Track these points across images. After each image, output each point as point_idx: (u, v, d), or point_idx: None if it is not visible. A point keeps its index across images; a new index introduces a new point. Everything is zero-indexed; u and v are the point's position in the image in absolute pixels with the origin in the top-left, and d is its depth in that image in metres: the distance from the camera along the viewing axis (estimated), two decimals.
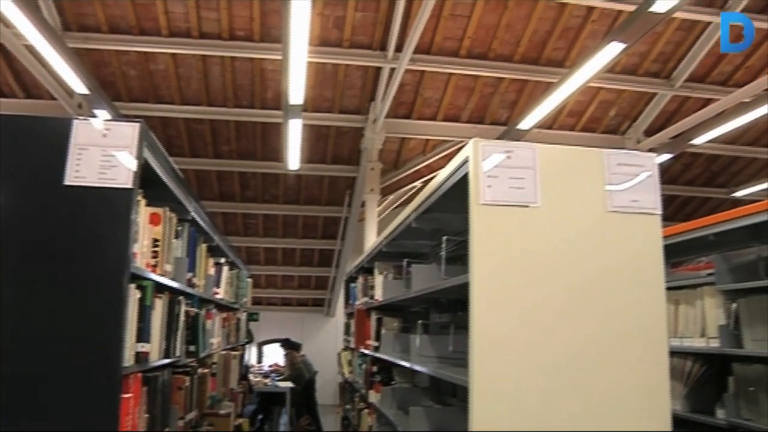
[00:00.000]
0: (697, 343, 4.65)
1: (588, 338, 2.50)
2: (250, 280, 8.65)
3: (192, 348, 4.10)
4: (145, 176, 2.61)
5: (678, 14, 8.21)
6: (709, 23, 8.65)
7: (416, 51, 8.19)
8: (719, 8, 8.44)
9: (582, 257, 2.55)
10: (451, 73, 9.06)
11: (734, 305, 4.36)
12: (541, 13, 8.19)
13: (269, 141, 10.67)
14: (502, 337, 2.44)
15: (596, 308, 2.53)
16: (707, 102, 9.89)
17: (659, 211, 2.61)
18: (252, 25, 8.15)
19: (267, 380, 10.87)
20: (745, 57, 9.49)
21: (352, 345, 7.69)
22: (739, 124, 9.13)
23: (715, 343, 4.45)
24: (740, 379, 4.29)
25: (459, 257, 3.40)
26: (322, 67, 8.83)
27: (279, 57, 7.15)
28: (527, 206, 2.50)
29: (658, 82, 9.71)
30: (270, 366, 13.17)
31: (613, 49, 6.53)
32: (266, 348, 15.44)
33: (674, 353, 4.75)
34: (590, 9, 8.15)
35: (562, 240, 2.53)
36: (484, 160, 2.51)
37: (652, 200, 2.60)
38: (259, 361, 14.90)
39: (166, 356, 3.25)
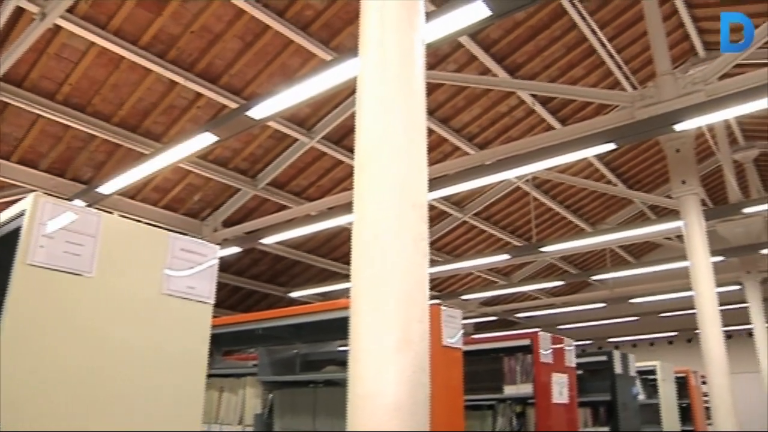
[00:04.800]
0: (235, 430, 4.82)
1: (124, 415, 2.40)
2: None
3: None
4: None
5: (272, 124, 9.06)
6: (296, 139, 9.69)
7: (5, 79, 7.33)
8: (308, 129, 9.57)
9: (129, 335, 2.48)
10: (40, 115, 8.26)
11: (271, 396, 4.69)
12: (151, 84, 8.17)
13: None
14: (29, 408, 2.19)
15: (137, 387, 2.46)
16: (282, 207, 10.90)
17: (212, 301, 2.71)
18: None
19: None
20: (318, 177, 10.84)
21: None
22: (304, 233, 10.28)
23: (249, 430, 4.68)
24: None
25: None
26: None
27: None
28: (80, 275, 2.36)
29: (244, 179, 10.40)
30: None
31: (206, 139, 6.81)
32: None
33: None
34: (198, 95, 8.43)
35: (112, 315, 2.43)
36: (42, 218, 2.30)
37: (208, 289, 2.69)
38: None
39: None
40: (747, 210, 10.06)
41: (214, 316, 2.80)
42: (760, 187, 14.18)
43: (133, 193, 10.02)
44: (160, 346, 2.56)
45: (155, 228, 2.65)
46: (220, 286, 2.81)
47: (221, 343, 5.55)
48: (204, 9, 7.30)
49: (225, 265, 12.43)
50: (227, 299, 13.99)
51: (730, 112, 7.22)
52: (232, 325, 4.98)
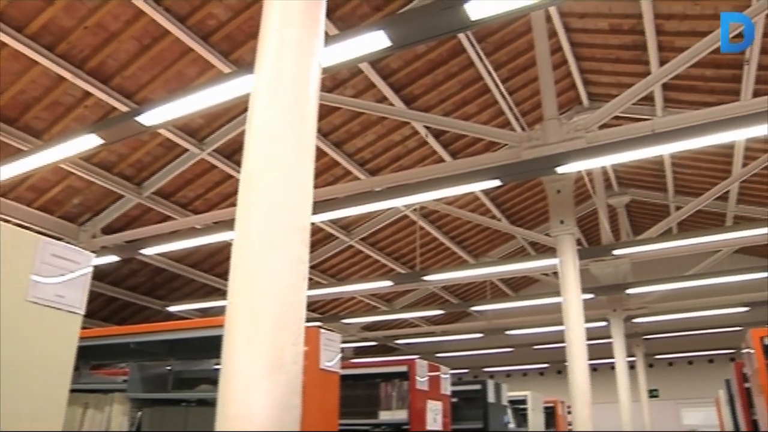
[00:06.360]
0: None
1: None
2: None
3: None
4: None
5: (163, 132, 8.80)
6: (187, 150, 9.44)
7: None
8: (200, 141, 9.35)
9: None
10: None
11: (139, 414, 4.48)
12: (36, 77, 7.71)
13: None
14: None
15: None
16: (166, 218, 10.56)
17: (82, 311, 2.57)
18: None
19: None
20: (206, 190, 10.59)
21: None
22: (188, 246, 9.98)
23: None
24: None
25: None
26: None
27: None
28: None
29: (129, 186, 10.00)
30: None
31: (91, 141, 6.52)
32: None
33: None
34: (87, 94, 8.05)
35: None
36: None
37: (78, 299, 2.55)
38: None
39: None
40: (616, 252, 10.73)
41: (85, 327, 2.66)
42: (630, 231, 15.22)
43: (5, 190, 9.38)
44: (20, 357, 2.40)
45: (23, 230, 2.49)
46: (94, 296, 2.68)
47: (90, 356, 5.28)
48: (101, 5, 7.01)
49: (101, 274, 11.86)
50: (101, 310, 13.31)
51: (607, 160, 7.74)
52: (102, 338, 4.74)
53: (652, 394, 17.29)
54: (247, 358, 2.13)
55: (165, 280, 13.44)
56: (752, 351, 4.51)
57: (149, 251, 10.25)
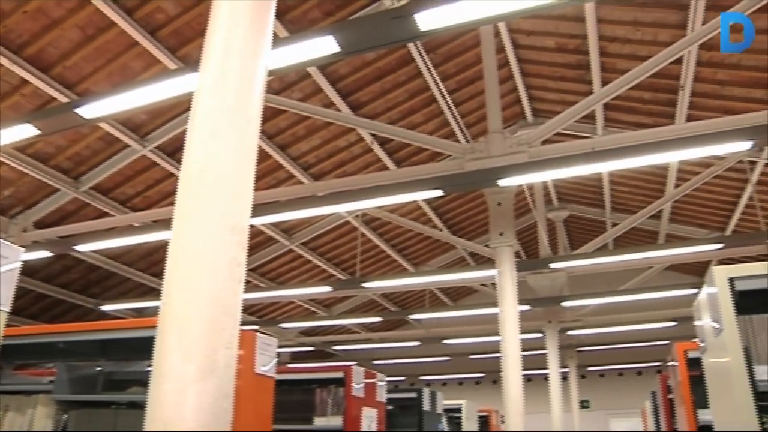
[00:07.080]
0: None
1: None
2: None
3: None
4: None
5: (104, 125, 8.58)
6: (128, 145, 9.22)
7: None
8: (142, 137, 9.16)
9: None
10: None
11: (65, 416, 4.34)
12: None
13: None
14: None
15: None
16: (104, 214, 10.27)
17: (7, 308, 2.49)
18: None
19: None
20: (146, 187, 10.36)
21: None
22: (124, 244, 9.73)
23: None
24: None
25: None
26: None
27: None
28: None
29: (65, 180, 9.68)
30: None
31: (26, 131, 6.29)
32: None
33: None
34: (24, 82, 7.75)
35: None
36: None
37: (4, 295, 2.47)
38: None
39: None
40: (554, 265, 10.98)
41: (10, 325, 2.57)
42: (567, 246, 15.59)
43: None
44: None
45: None
46: (23, 292, 2.60)
47: (15, 356, 5.07)
48: None
49: (31, 270, 11.43)
50: (29, 307, 12.81)
51: (548, 175, 7.94)
52: (29, 336, 4.57)
53: (584, 404, 17.73)
54: (179, 360, 2.09)
55: (99, 278, 13.06)
56: (676, 364, 4.68)
57: (84, 248, 9.94)
